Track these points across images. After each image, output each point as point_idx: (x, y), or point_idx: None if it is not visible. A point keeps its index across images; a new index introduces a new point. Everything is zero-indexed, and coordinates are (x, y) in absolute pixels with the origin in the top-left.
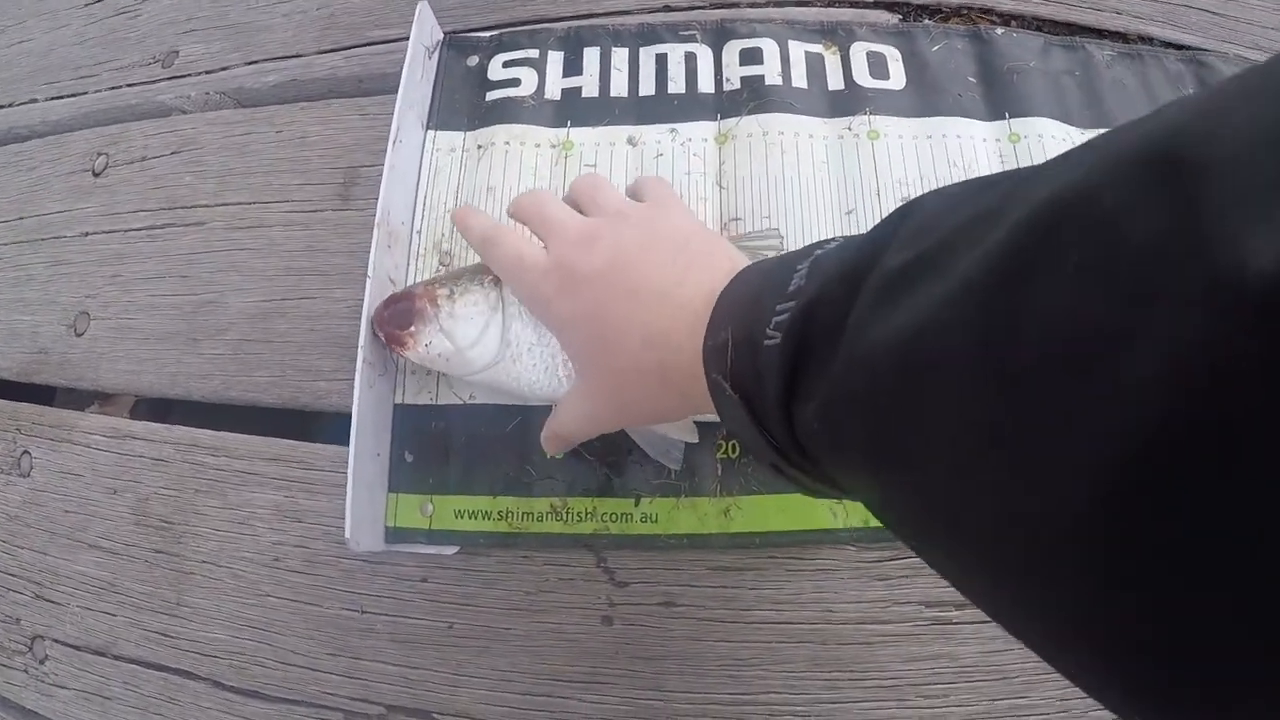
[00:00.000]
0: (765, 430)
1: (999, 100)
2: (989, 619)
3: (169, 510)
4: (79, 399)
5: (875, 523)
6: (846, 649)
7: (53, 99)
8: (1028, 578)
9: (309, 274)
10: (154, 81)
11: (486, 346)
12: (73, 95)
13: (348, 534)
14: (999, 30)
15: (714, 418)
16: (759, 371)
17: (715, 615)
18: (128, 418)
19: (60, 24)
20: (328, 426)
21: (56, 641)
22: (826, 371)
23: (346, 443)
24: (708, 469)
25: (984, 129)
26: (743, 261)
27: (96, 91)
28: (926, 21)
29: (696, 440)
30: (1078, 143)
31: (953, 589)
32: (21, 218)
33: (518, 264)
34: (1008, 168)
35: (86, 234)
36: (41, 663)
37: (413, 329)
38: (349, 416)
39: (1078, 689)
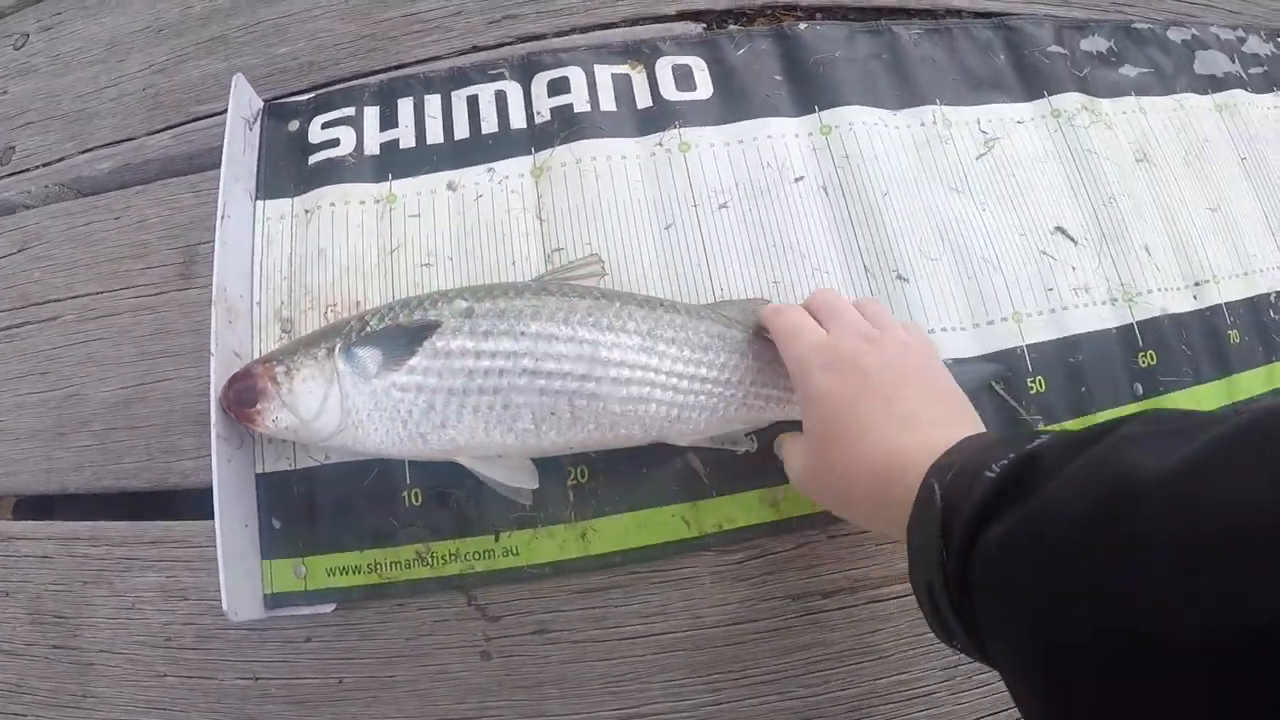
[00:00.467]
0: (946, 543)
1: (807, 94)
2: (859, 603)
3: (60, 605)
4: None
5: (729, 525)
6: (722, 650)
7: None
8: None
9: (161, 357)
10: None
11: (329, 416)
12: None
13: (225, 605)
14: (802, 25)
15: (559, 453)
16: (969, 489)
17: (589, 636)
18: (9, 518)
19: None
20: (198, 503)
21: None
22: (1025, 505)
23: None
24: (560, 497)
25: (794, 125)
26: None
27: None
28: (731, 26)
29: (536, 486)
30: (890, 125)
31: (818, 579)
32: None
33: (794, 331)
34: (821, 160)
35: None
36: None
37: (258, 407)
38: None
39: (960, 659)
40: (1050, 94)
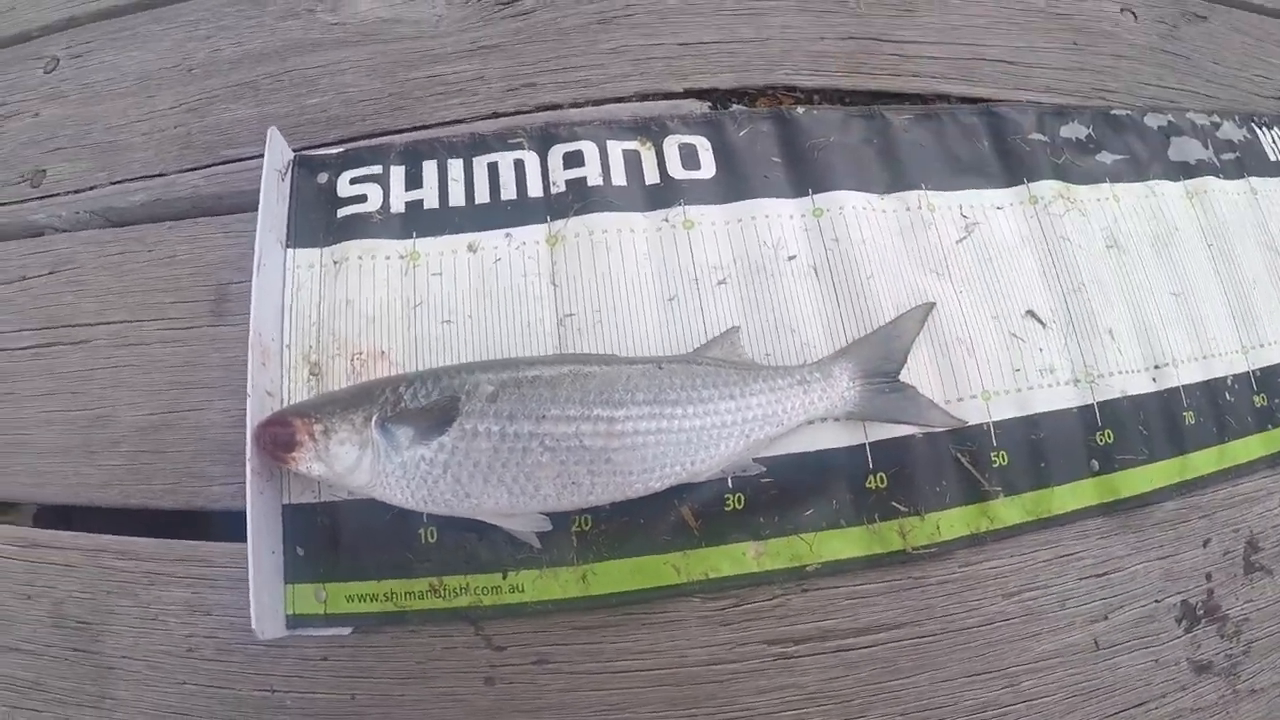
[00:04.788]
0: None
1: (802, 177)
2: (827, 650)
3: (83, 611)
4: None
5: (714, 574)
6: (701, 688)
7: None
8: None
9: (193, 387)
10: (24, 201)
11: (360, 475)
12: None
13: (254, 624)
14: (800, 109)
15: (569, 508)
16: None
17: (584, 668)
18: (31, 525)
19: None
20: (225, 526)
21: None
22: None
23: (242, 540)
24: (565, 542)
25: (789, 206)
26: None
27: None
28: (735, 106)
29: (550, 529)
30: (878, 209)
31: (792, 628)
32: None
33: None
34: (813, 241)
35: None
36: None
37: (294, 454)
38: (242, 516)
39: (912, 709)
40: (1029, 180)
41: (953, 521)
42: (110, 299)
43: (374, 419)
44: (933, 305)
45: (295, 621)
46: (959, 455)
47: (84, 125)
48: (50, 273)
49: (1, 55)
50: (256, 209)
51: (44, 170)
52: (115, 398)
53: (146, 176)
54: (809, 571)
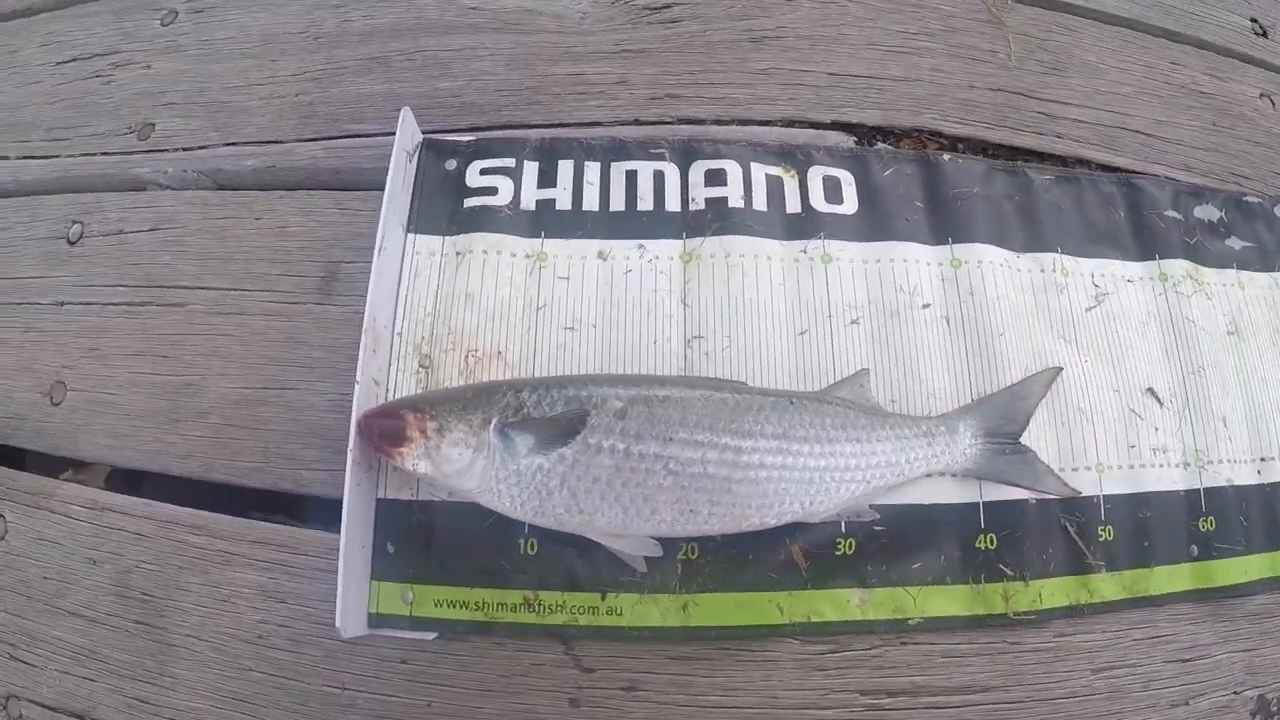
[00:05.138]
0: None
1: (943, 225)
2: (919, 706)
3: (150, 584)
4: (50, 464)
5: (816, 618)
6: None
7: (25, 158)
8: None
9: (291, 365)
10: (130, 153)
11: (470, 479)
12: (45, 157)
13: (338, 621)
14: (945, 156)
15: (681, 535)
16: None
17: (673, 700)
18: (102, 487)
19: (31, 80)
20: (308, 512)
21: (32, 702)
22: None
23: (327, 529)
24: (669, 569)
25: (928, 253)
26: None
27: (70, 156)
28: (880, 145)
29: (660, 554)
30: (1014, 267)
31: (887, 680)
32: None
33: None
34: (948, 291)
35: (62, 303)
36: None
37: (401, 450)
38: (330, 504)
39: None
40: (1161, 257)
41: (1054, 591)
42: (211, 263)
43: (493, 423)
44: (1059, 371)
45: (378, 621)
46: (1067, 525)
47: (200, 83)
48: (151, 229)
49: (117, 3)
50: (373, 187)
51: (153, 124)
52: (207, 366)
53: (262, 142)
54: (910, 625)
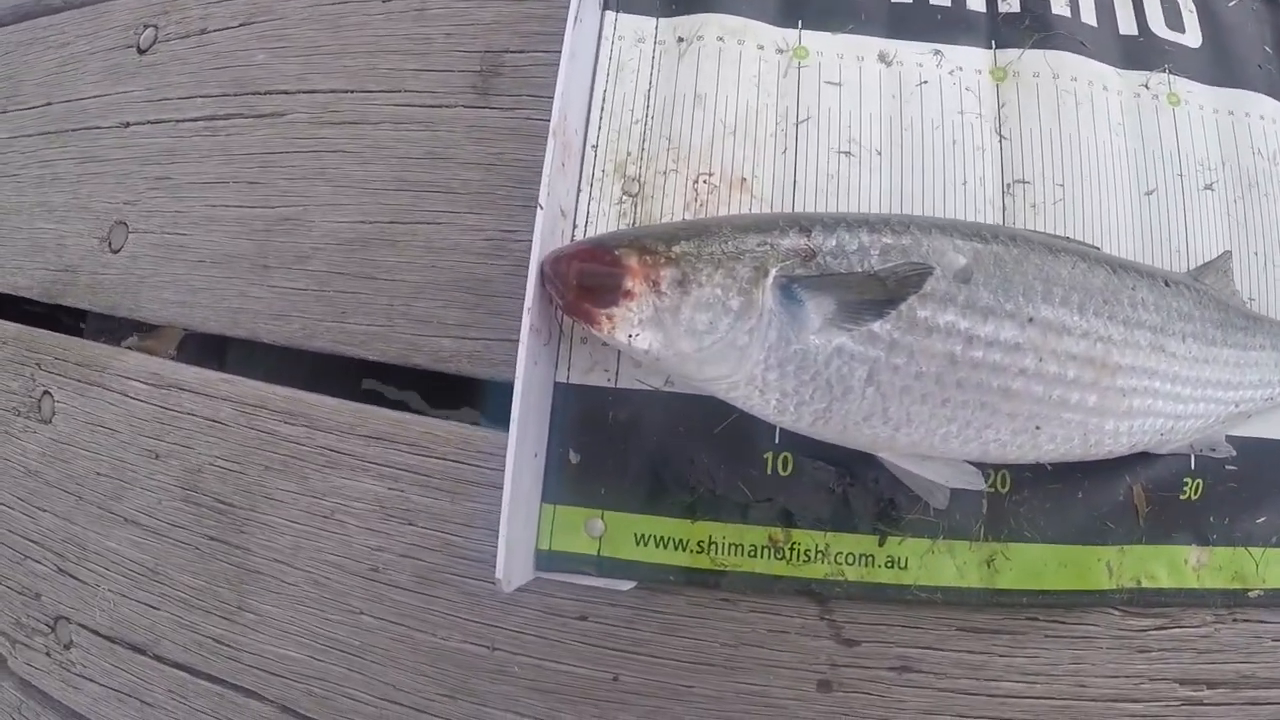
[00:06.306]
0: None
1: None
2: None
3: (228, 489)
4: (114, 329)
5: (1148, 583)
6: None
7: None
8: None
9: (430, 191)
10: None
11: (723, 363)
12: None
13: (499, 570)
14: None
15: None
16: None
17: (958, 685)
18: (174, 357)
19: None
20: (451, 397)
21: (84, 628)
22: None
23: (479, 422)
24: (971, 506)
25: None
26: None
27: None
28: None
29: (981, 487)
30: None
31: (1211, 666)
32: (49, 103)
33: None
34: None
35: (127, 124)
36: (66, 648)
37: (614, 311)
38: (482, 387)
39: None
40: None
41: None
42: (320, 60)
43: (772, 275)
44: None
45: (549, 560)
46: None
47: None
48: (241, 24)
49: None
50: None
51: None
52: (311, 194)
53: None
54: (1250, 598)
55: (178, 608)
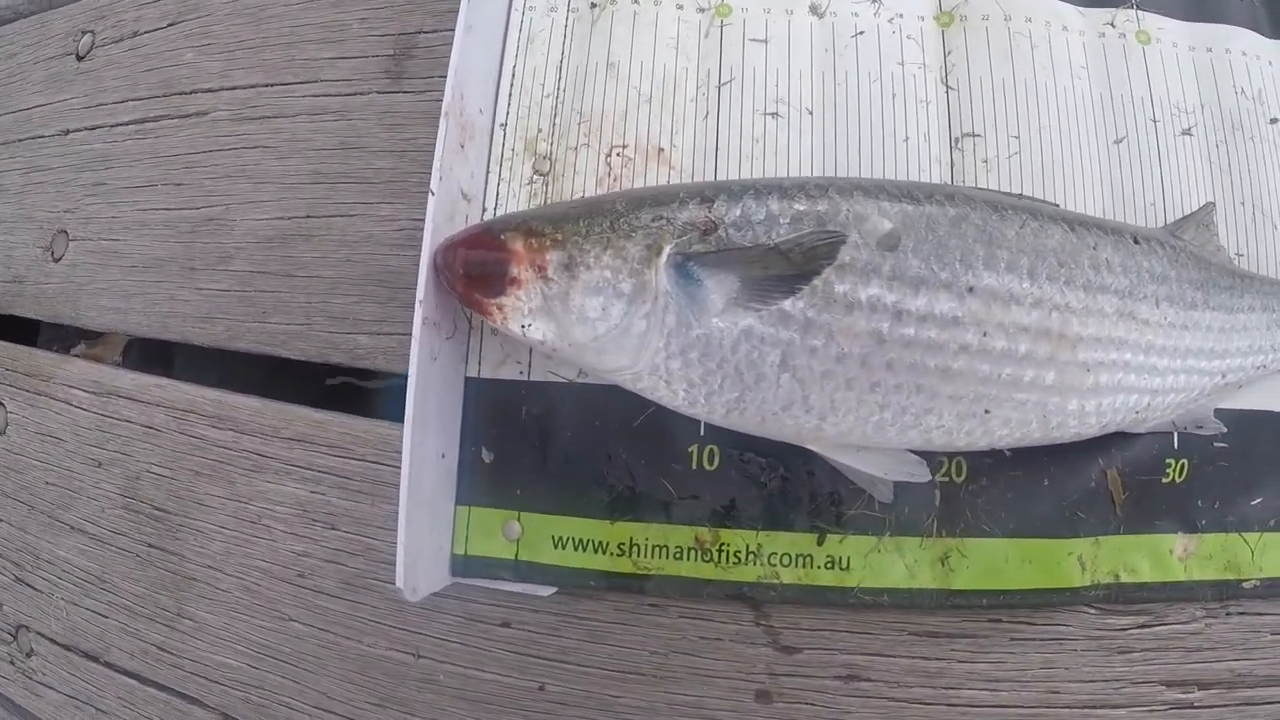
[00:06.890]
0: None
1: None
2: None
3: (163, 495)
4: (64, 337)
5: (1127, 578)
6: None
7: None
8: None
9: (344, 181)
10: None
11: (619, 353)
12: None
13: (400, 579)
14: None
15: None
16: None
17: (912, 695)
18: (119, 364)
19: None
20: (372, 397)
21: (43, 636)
22: None
23: (394, 417)
24: (921, 498)
25: (1273, 49)
26: None
27: None
28: None
29: (926, 479)
30: None
31: (1202, 665)
32: None
33: None
34: None
35: (66, 131)
36: (28, 656)
37: (502, 301)
38: (399, 383)
39: None
40: None
41: None
42: (241, 55)
43: (666, 252)
44: None
45: (467, 565)
46: None
47: None
48: (170, 24)
49: None
50: None
51: None
52: (233, 193)
53: None
54: (1244, 589)
55: (124, 615)
